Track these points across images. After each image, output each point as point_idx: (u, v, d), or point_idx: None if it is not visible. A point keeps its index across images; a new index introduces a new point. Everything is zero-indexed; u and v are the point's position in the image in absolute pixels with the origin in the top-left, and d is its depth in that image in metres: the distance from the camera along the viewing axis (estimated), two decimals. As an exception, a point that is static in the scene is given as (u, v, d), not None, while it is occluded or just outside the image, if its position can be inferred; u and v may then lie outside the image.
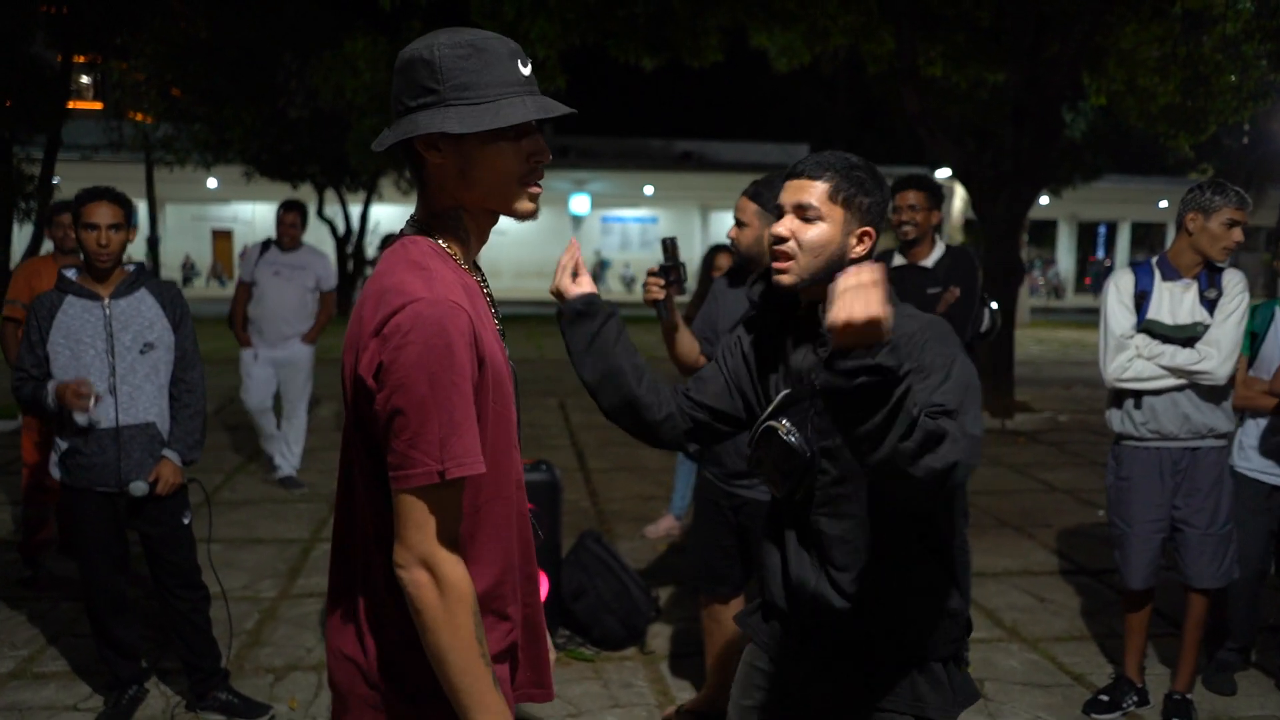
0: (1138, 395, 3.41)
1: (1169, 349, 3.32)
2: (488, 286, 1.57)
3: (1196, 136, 11.24)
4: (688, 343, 3.16)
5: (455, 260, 1.47)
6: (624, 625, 3.99)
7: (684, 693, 3.67)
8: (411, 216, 1.51)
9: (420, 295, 1.33)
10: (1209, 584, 3.42)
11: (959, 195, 22.23)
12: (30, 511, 4.67)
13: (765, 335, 1.97)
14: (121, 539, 3.34)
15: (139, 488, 3.20)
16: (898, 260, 4.10)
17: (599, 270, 37.59)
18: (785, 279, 1.81)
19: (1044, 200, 27.19)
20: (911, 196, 3.99)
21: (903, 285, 3.78)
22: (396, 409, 1.32)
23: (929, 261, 4.03)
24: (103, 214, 3.16)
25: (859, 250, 1.81)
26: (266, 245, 6.29)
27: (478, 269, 1.56)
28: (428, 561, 1.35)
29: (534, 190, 1.46)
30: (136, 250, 33.41)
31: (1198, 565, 3.41)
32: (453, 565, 1.36)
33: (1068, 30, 9.11)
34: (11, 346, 4.56)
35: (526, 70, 1.42)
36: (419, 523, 1.34)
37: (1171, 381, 3.34)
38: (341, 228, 22.73)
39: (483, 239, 1.53)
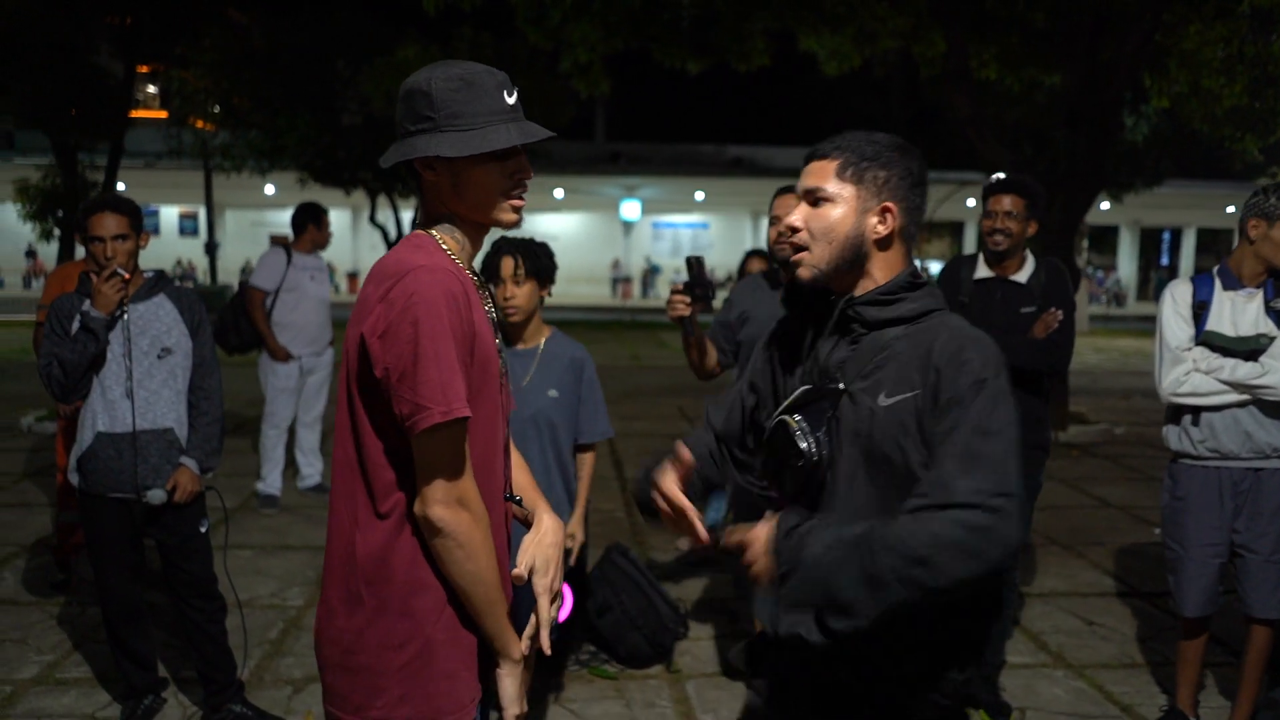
0: (1196, 411, 3.22)
1: (1229, 362, 3.13)
2: (486, 291, 1.73)
3: (1265, 139, 10.83)
4: (710, 354, 3.30)
5: (450, 255, 1.64)
6: (650, 643, 3.87)
7: (709, 715, 3.54)
8: (414, 221, 1.73)
9: (420, 264, 1.53)
10: (1273, 614, 3.21)
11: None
12: (65, 515, 4.70)
13: (793, 331, 1.82)
14: (137, 547, 3.32)
15: (157, 495, 3.17)
16: (983, 272, 3.63)
17: (649, 276, 37.57)
18: (803, 272, 1.68)
19: (1105, 205, 26.54)
20: (1007, 202, 3.50)
21: (990, 301, 3.51)
22: (400, 361, 1.49)
23: (1022, 276, 3.57)
24: (107, 225, 3.12)
25: (881, 229, 1.65)
26: (286, 250, 6.15)
27: (474, 273, 1.72)
28: (462, 498, 1.53)
29: (516, 203, 1.66)
30: (196, 255, 34.28)
31: (1260, 594, 3.20)
32: (479, 499, 1.56)
33: (1125, 31, 8.81)
34: (46, 351, 4.58)
35: (512, 99, 1.63)
36: (444, 464, 1.51)
37: (1232, 397, 3.14)
38: (394, 233, 22.95)
39: (476, 247, 1.71)
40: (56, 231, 12.33)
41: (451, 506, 1.51)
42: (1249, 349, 3.12)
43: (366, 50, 18.38)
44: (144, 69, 15.14)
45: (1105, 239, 39.07)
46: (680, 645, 4.05)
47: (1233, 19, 9.40)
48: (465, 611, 1.60)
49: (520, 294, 2.96)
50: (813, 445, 1.64)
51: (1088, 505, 6.70)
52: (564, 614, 3.83)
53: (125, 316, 3.18)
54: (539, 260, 2.98)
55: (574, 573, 3.96)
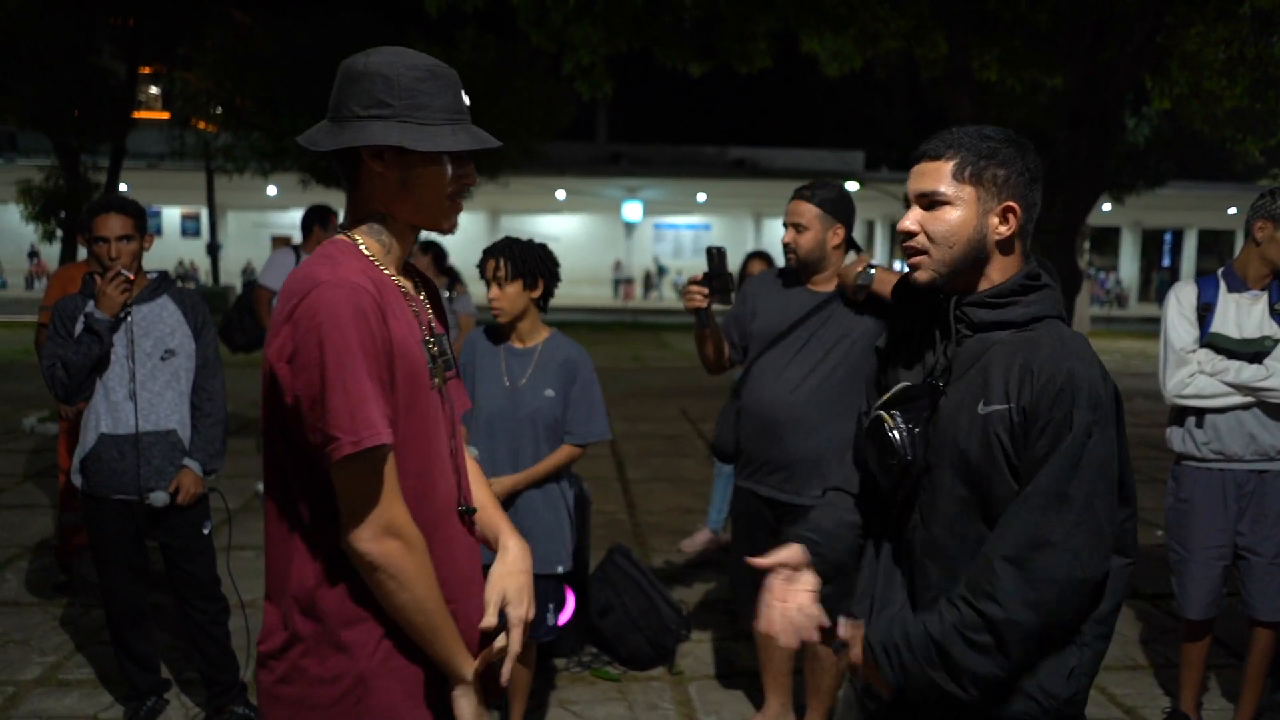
0: (1200, 413, 3.21)
1: (1234, 364, 3.12)
2: (423, 293, 1.65)
3: (1266, 141, 10.84)
4: (723, 349, 3.27)
5: (371, 259, 1.53)
6: (652, 644, 3.86)
7: (711, 716, 3.53)
8: (341, 223, 1.59)
9: (324, 279, 1.41)
10: (1275, 616, 3.20)
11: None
12: (67, 516, 4.70)
13: (901, 331, 1.78)
14: (141, 548, 3.32)
15: (159, 498, 3.17)
16: None
17: (657, 276, 37.57)
18: (921, 275, 1.63)
19: (1106, 207, 26.51)
20: None
21: None
22: (310, 388, 1.39)
23: None
24: (112, 226, 3.13)
25: (1003, 230, 1.60)
26: (295, 251, 6.13)
27: (410, 274, 1.65)
28: (390, 526, 1.43)
29: (458, 209, 1.58)
30: (198, 256, 34.30)
31: (1264, 597, 3.20)
32: (410, 523, 1.46)
33: (1127, 33, 8.81)
34: (49, 353, 4.58)
35: (467, 101, 1.55)
36: (364, 494, 1.41)
37: (1236, 399, 3.14)
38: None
39: (405, 249, 1.59)
40: (59, 233, 12.35)
41: (378, 538, 1.42)
42: (1253, 351, 3.12)
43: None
44: (146, 70, 15.15)
45: (1107, 240, 39.06)
46: (682, 647, 4.05)
47: (1234, 21, 9.41)
48: (408, 640, 1.51)
49: (504, 295, 2.97)
50: (906, 443, 1.61)
51: (1090, 507, 6.68)
52: (565, 616, 3.83)
53: (129, 318, 3.18)
54: (525, 260, 2.97)
55: (575, 575, 3.96)
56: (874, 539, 1.79)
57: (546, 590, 3.11)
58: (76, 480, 3.26)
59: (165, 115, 20.27)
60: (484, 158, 20.31)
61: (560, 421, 3.07)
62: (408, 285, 1.60)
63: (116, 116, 12.35)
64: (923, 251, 1.62)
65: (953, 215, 1.59)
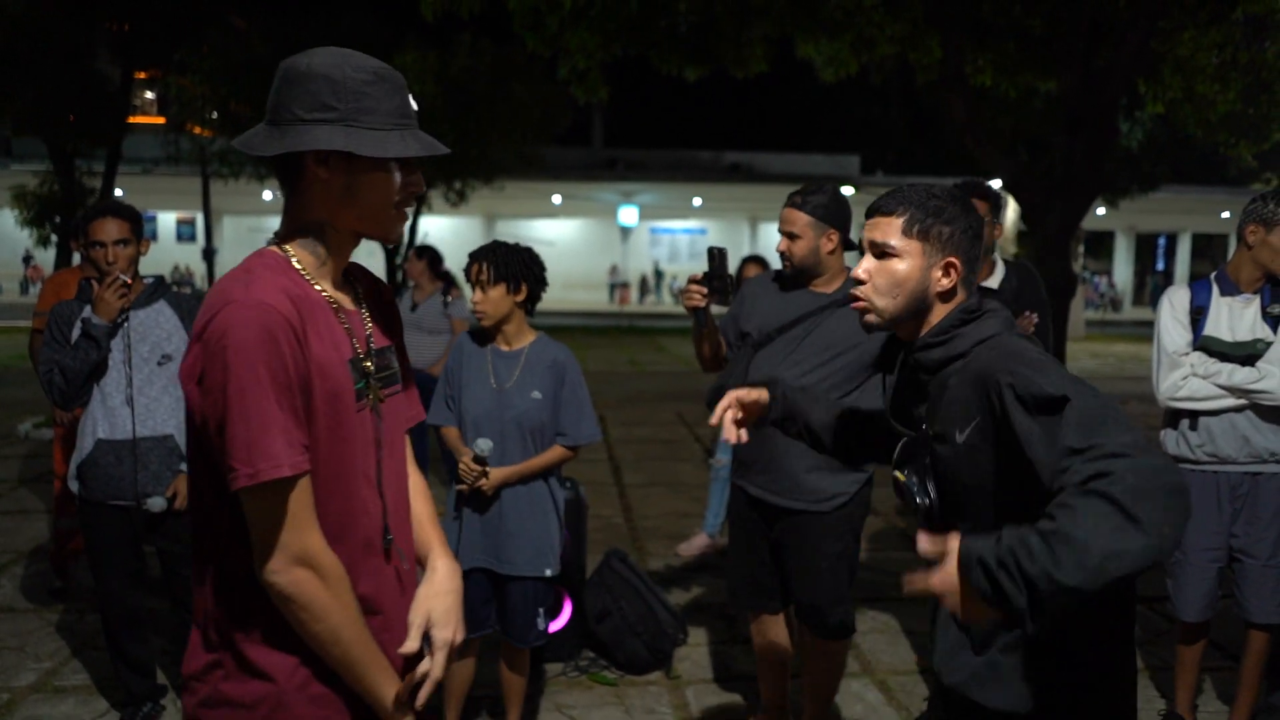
0: (1193, 416, 3.23)
1: (1226, 367, 3.14)
2: (364, 305, 1.58)
3: (1259, 145, 10.88)
4: (720, 348, 3.28)
5: (300, 273, 1.48)
6: (649, 648, 3.87)
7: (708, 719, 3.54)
8: (276, 231, 1.53)
9: (234, 298, 1.36)
10: (1270, 619, 3.22)
11: (1012, 206, 21.81)
12: (62, 522, 4.69)
13: (890, 374, 1.93)
14: (138, 554, 3.31)
15: (157, 503, 3.17)
16: None
17: (655, 280, 37.59)
18: (868, 319, 1.78)
19: (1101, 211, 26.60)
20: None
21: None
22: (214, 413, 1.35)
23: (993, 282, 3.56)
24: (108, 230, 3.14)
25: (945, 283, 1.73)
26: None
27: (352, 285, 1.58)
28: (302, 556, 1.38)
29: (403, 216, 1.52)
30: (193, 261, 34.27)
31: (1258, 599, 3.21)
32: (326, 552, 1.41)
33: (1121, 38, 8.85)
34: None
35: (414, 106, 1.51)
36: (271, 524, 1.37)
37: (1229, 402, 3.15)
38: (391, 239, 22.95)
39: (343, 259, 1.54)
40: (54, 238, 12.33)
41: (287, 568, 1.37)
42: (1246, 354, 3.14)
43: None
44: (142, 75, 15.12)
45: (1101, 244, 39.16)
46: (679, 651, 4.05)
47: (1226, 25, 9.46)
48: (327, 666, 1.46)
49: (487, 299, 3.00)
50: (925, 497, 1.73)
51: (1086, 510, 6.70)
52: (562, 621, 3.82)
53: (126, 323, 3.19)
54: (508, 264, 2.99)
55: (570, 579, 3.97)
56: None
57: (535, 593, 3.12)
58: (73, 486, 3.26)
59: (161, 120, 20.27)
60: (480, 163, 20.34)
61: (547, 424, 3.09)
62: (343, 299, 1.54)
63: (112, 121, 12.33)
64: (867, 300, 1.76)
65: (899, 267, 1.73)
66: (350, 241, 1.52)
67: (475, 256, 3.03)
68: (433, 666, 1.50)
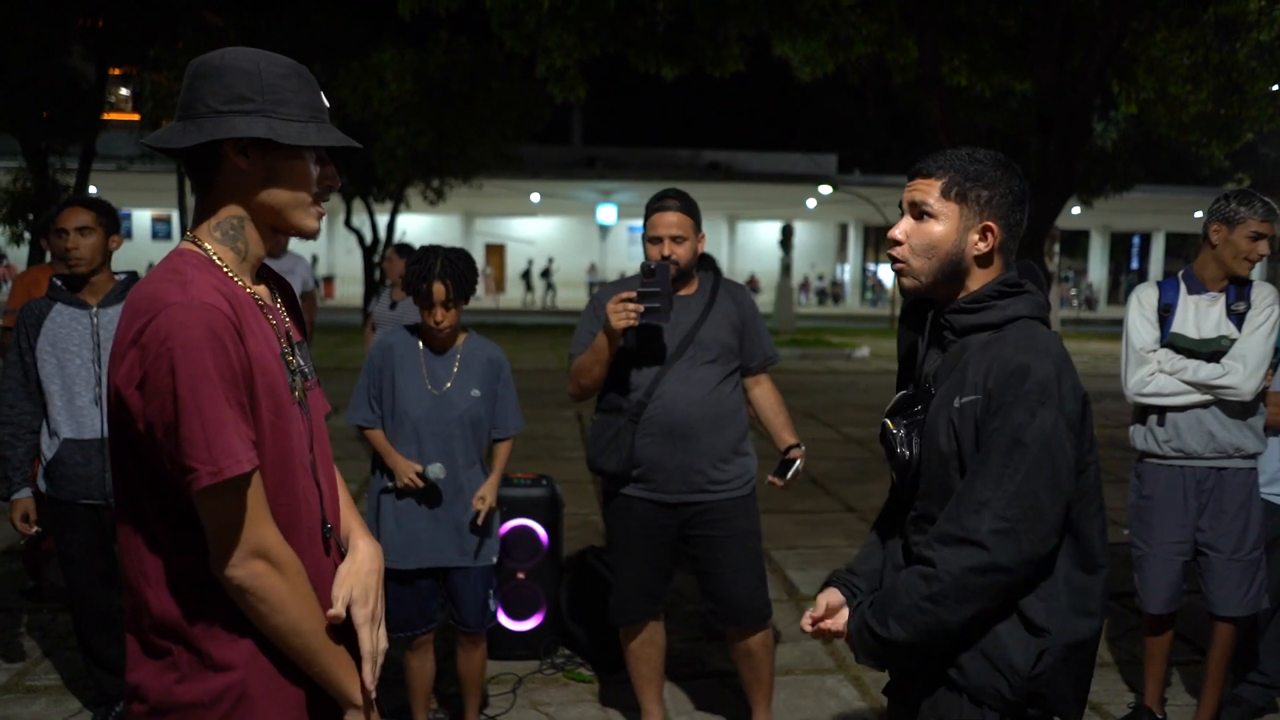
0: (1161, 412, 3.27)
1: (1192, 364, 3.19)
2: (278, 299, 1.60)
3: (1230, 145, 11.01)
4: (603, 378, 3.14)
5: (224, 270, 1.47)
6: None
7: (683, 715, 3.56)
8: (188, 228, 1.53)
9: (173, 300, 1.35)
10: (1234, 612, 3.26)
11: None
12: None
13: (909, 339, 1.94)
14: (108, 553, 3.28)
15: None
16: None
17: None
18: (905, 283, 1.79)
19: (1075, 210, 26.83)
20: None
21: None
22: (161, 416, 1.34)
23: None
24: (70, 219, 3.12)
25: (981, 246, 1.73)
26: None
27: (266, 280, 1.59)
28: (259, 549, 1.39)
29: (320, 210, 1.54)
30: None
31: (1223, 592, 3.26)
32: (281, 545, 1.42)
33: (1094, 38, 8.94)
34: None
35: (326, 102, 1.52)
36: (228, 520, 1.37)
37: (1196, 397, 3.20)
38: (369, 237, 22.86)
39: (262, 253, 1.54)
40: (26, 235, 12.21)
41: (244, 562, 1.37)
42: (1211, 350, 3.18)
43: (343, 54, 18.31)
44: (116, 71, 15.00)
45: (1076, 243, 39.50)
46: (655, 647, 4.06)
47: (1198, 27, 9.58)
48: (288, 659, 1.47)
49: (449, 318, 3.05)
50: (905, 448, 1.77)
51: (1059, 506, 6.76)
52: (538, 619, 3.83)
53: (95, 320, 3.16)
54: (467, 286, 3.07)
55: (549, 574, 3.97)
56: (887, 537, 1.94)
57: (483, 577, 3.17)
58: (42, 485, 3.23)
59: (136, 117, 20.10)
60: (458, 161, 20.28)
61: (483, 418, 3.16)
62: (263, 294, 1.55)
63: (86, 118, 12.26)
64: (904, 261, 1.77)
65: (935, 229, 1.73)
66: (268, 236, 1.52)
67: (439, 275, 2.99)
68: (360, 641, 1.51)
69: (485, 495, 3.10)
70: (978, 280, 1.76)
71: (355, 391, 3.16)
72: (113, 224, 3.23)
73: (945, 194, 1.73)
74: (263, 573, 1.39)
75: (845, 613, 1.86)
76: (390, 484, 3.10)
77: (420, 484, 3.03)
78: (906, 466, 1.77)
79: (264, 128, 1.41)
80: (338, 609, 1.49)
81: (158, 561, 1.43)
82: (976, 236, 1.73)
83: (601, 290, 3.20)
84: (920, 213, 1.75)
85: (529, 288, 36.15)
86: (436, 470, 3.03)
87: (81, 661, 3.40)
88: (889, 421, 1.81)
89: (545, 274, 35.43)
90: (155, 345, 1.33)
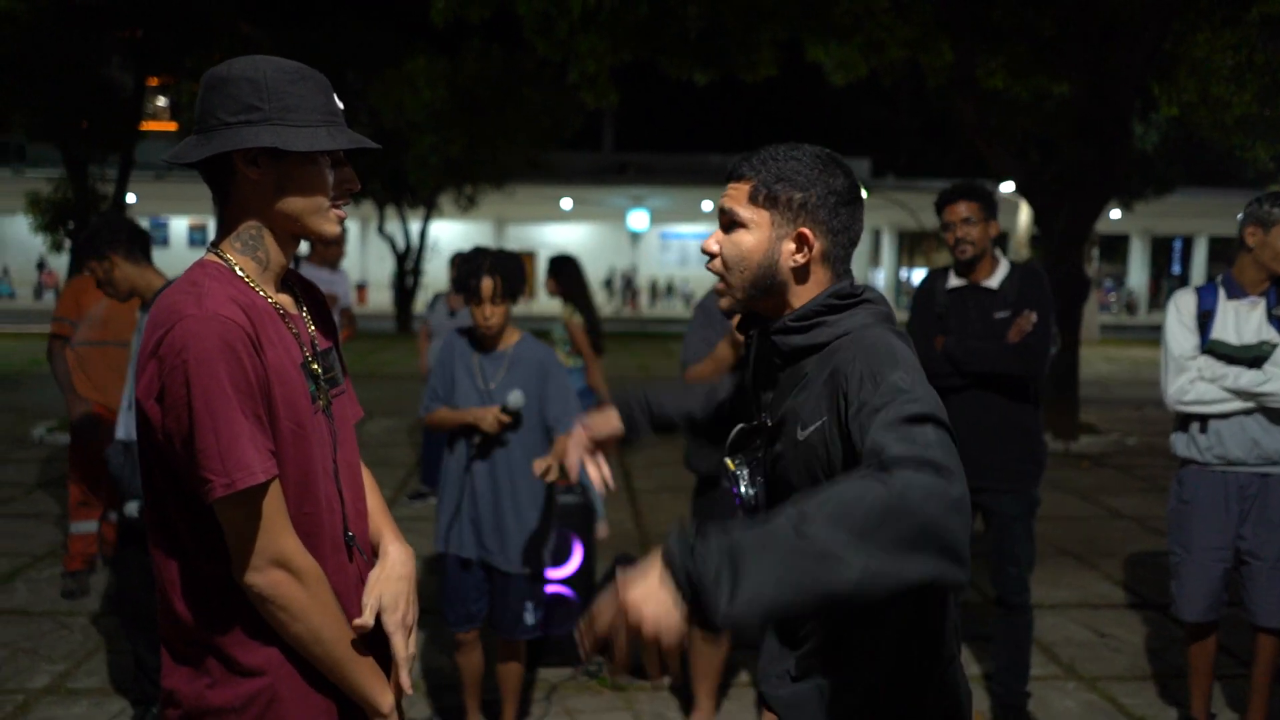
0: (1203, 419, 3.22)
1: (1233, 370, 3.13)
2: (304, 307, 1.59)
3: (1275, 147, 10.80)
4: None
5: (245, 280, 1.48)
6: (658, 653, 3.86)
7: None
8: (212, 240, 1.54)
9: (189, 313, 1.36)
10: (1278, 622, 3.19)
11: (1024, 210, 21.74)
12: (76, 525, 4.72)
13: (748, 363, 1.72)
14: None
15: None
16: (955, 281, 3.52)
17: (666, 291, 37.61)
18: (722, 302, 1.59)
19: (1115, 214, 26.46)
20: (963, 209, 3.38)
21: (964, 310, 3.46)
22: (178, 428, 1.35)
23: (993, 282, 3.46)
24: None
25: (798, 258, 1.50)
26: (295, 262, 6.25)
27: (291, 288, 1.59)
28: (278, 558, 1.39)
29: (339, 213, 1.52)
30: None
31: (1266, 602, 3.19)
32: (302, 553, 1.43)
33: (1134, 40, 8.81)
34: (59, 364, 4.61)
35: (340, 104, 1.51)
36: (246, 530, 1.38)
37: (1237, 404, 3.14)
38: (401, 244, 23.05)
39: (285, 261, 1.53)
40: (67, 243, 12.43)
41: (263, 571, 1.38)
42: (1252, 356, 3.12)
43: (376, 62, 18.51)
44: (154, 81, 15.22)
45: (1116, 248, 38.96)
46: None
47: (1242, 26, 9.40)
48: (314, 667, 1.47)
49: (497, 313, 3.11)
50: (748, 488, 1.58)
51: (1099, 516, 6.67)
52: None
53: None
54: (516, 283, 3.12)
55: (583, 581, 3.97)
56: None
57: (523, 588, 3.18)
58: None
59: (173, 126, 20.39)
60: (490, 167, 20.41)
61: (531, 419, 3.18)
62: (286, 303, 1.54)
63: (124, 127, 12.43)
64: (720, 276, 1.57)
65: (745, 240, 1.52)
66: (289, 244, 1.52)
67: (488, 271, 3.07)
68: (394, 649, 1.52)
69: (551, 464, 3.03)
70: (800, 296, 1.53)
71: (428, 385, 3.29)
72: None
73: (753, 199, 1.50)
74: (282, 581, 1.40)
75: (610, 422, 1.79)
76: (467, 453, 3.14)
77: (508, 419, 3.08)
78: (752, 507, 1.57)
79: (270, 136, 1.39)
80: (366, 617, 1.49)
81: (185, 569, 1.44)
82: (792, 246, 1.50)
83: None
84: (729, 221, 1.53)
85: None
86: (516, 399, 3.06)
87: (131, 660, 3.45)
88: (729, 461, 1.61)
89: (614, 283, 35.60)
90: (171, 358, 1.34)
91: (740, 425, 1.63)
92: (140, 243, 3.42)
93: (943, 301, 3.51)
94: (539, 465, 3.02)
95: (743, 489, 1.58)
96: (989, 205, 3.43)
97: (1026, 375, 3.35)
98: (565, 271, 5.81)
